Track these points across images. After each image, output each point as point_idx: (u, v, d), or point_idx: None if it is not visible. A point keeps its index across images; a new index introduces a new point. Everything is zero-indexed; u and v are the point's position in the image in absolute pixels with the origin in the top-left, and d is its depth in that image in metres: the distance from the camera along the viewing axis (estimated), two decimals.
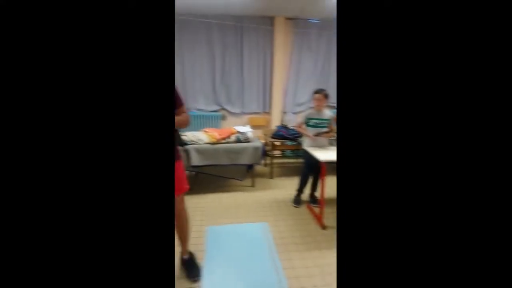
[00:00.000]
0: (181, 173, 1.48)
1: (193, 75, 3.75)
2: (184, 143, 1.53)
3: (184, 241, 1.58)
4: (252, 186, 2.89)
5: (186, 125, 1.41)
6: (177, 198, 1.50)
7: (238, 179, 2.90)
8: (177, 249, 1.65)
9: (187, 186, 1.51)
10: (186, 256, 1.59)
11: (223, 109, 3.98)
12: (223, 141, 2.75)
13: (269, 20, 3.68)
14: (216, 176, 2.89)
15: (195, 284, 1.47)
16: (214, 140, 2.73)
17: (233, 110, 3.97)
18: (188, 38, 3.61)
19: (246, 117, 4.03)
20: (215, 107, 3.95)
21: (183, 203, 1.54)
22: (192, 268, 1.56)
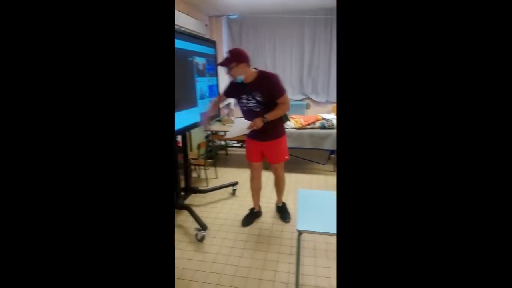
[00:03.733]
0: (285, 145, 1.94)
1: (283, 67, 4.10)
2: (288, 120, 1.94)
3: (280, 194, 2.13)
4: (333, 171, 3.05)
5: (287, 111, 1.84)
6: (279, 164, 1.97)
7: (320, 163, 3.11)
8: (264, 205, 2.10)
9: (287, 157, 1.96)
10: (280, 204, 2.16)
11: (308, 98, 4.21)
12: (308, 127, 3.01)
13: None
14: (300, 158, 3.18)
15: (290, 223, 2.04)
16: (299, 126, 3.01)
17: (318, 99, 4.15)
18: (280, 33, 3.97)
19: (330, 106, 4.14)
20: (300, 97, 4.21)
21: (283, 168, 2.02)
22: (285, 213, 2.13)
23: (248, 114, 1.76)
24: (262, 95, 1.70)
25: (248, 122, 1.71)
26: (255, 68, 1.73)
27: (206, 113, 1.95)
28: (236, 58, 1.64)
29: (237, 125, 1.78)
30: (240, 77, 1.68)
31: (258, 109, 1.73)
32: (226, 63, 1.66)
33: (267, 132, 1.80)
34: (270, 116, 1.72)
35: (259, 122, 1.69)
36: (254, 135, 1.85)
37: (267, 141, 1.85)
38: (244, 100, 1.76)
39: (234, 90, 1.79)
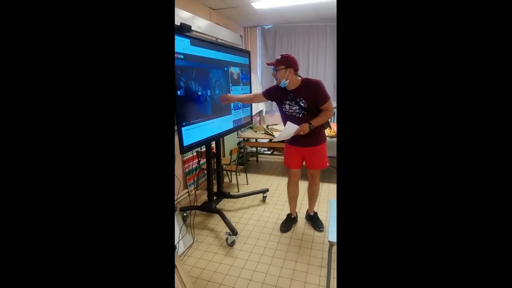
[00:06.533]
0: (325, 152, 1.94)
1: (317, 74, 4.07)
2: (329, 126, 1.94)
3: (312, 202, 2.10)
4: None
5: (331, 117, 1.86)
6: (317, 171, 1.96)
7: None
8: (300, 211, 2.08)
9: (328, 164, 1.95)
10: (312, 213, 2.15)
11: None
12: None
13: None
14: (332, 168, 3.10)
15: (320, 234, 1.99)
16: (332, 134, 2.95)
17: None
18: (314, 41, 3.96)
19: None
20: (334, 104, 4.12)
21: (319, 175, 2.00)
22: (317, 221, 2.10)
23: (290, 119, 1.78)
24: (306, 101, 1.73)
25: (296, 127, 1.74)
26: (300, 77, 1.77)
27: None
28: (286, 62, 1.70)
29: (287, 129, 1.80)
30: (284, 82, 1.72)
31: (300, 115, 1.76)
32: (274, 63, 1.73)
33: (309, 138, 1.81)
34: (316, 122, 1.74)
35: (306, 128, 1.72)
36: (295, 141, 1.86)
37: (309, 147, 1.86)
38: (287, 106, 1.80)
39: (277, 93, 1.84)
